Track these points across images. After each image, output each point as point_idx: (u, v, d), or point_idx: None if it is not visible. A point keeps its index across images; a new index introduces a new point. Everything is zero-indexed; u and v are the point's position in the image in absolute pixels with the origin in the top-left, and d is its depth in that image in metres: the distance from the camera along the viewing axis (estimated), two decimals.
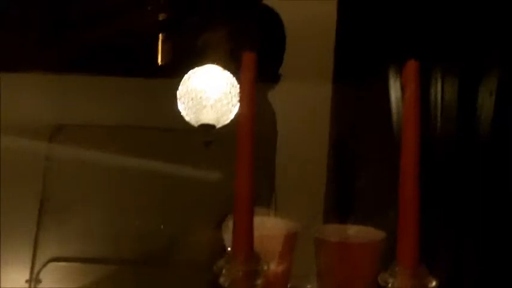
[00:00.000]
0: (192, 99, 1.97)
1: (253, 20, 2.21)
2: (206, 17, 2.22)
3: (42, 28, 2.11)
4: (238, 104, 1.96)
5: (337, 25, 2.08)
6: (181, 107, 1.97)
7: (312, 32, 2.12)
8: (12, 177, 2.01)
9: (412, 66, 1.15)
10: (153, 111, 2.13)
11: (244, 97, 1.13)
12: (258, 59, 2.21)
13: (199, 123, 1.97)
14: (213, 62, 2.01)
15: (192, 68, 2.00)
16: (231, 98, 1.97)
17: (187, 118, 1.98)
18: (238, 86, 2.00)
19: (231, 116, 1.98)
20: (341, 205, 1.95)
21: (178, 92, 1.98)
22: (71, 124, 2.09)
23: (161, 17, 2.25)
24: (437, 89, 1.90)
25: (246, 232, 1.06)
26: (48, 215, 2.07)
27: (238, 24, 2.21)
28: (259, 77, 2.14)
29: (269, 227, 1.23)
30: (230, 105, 1.97)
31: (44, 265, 2.07)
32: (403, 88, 1.18)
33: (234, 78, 1.97)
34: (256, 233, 1.06)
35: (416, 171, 1.08)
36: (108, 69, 2.11)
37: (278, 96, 2.17)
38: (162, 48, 2.24)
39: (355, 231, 1.25)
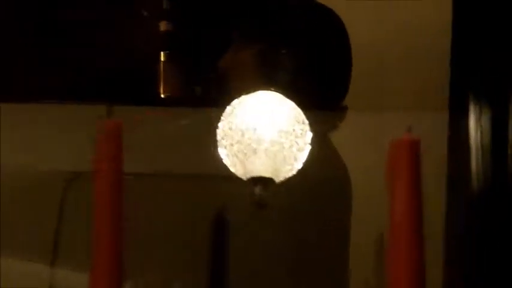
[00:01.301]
0: (237, 141, 1.35)
1: (302, 28, 1.63)
2: (233, 26, 1.67)
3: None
4: (307, 148, 1.38)
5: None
6: (222, 152, 1.36)
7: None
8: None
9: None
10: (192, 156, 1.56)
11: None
12: (314, 85, 1.64)
13: (248, 175, 1.36)
14: (267, 87, 1.40)
15: (236, 97, 1.39)
16: (294, 139, 1.36)
17: (232, 169, 1.36)
18: (305, 121, 1.40)
19: (297, 166, 1.37)
20: None
21: (218, 132, 1.36)
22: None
23: (163, 26, 1.63)
24: None
25: None
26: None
27: (282, 36, 1.63)
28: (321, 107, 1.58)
29: None
30: (294, 150, 1.36)
31: None
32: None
33: (299, 110, 1.37)
34: None
35: None
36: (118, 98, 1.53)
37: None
38: (165, 73, 1.66)
39: None
